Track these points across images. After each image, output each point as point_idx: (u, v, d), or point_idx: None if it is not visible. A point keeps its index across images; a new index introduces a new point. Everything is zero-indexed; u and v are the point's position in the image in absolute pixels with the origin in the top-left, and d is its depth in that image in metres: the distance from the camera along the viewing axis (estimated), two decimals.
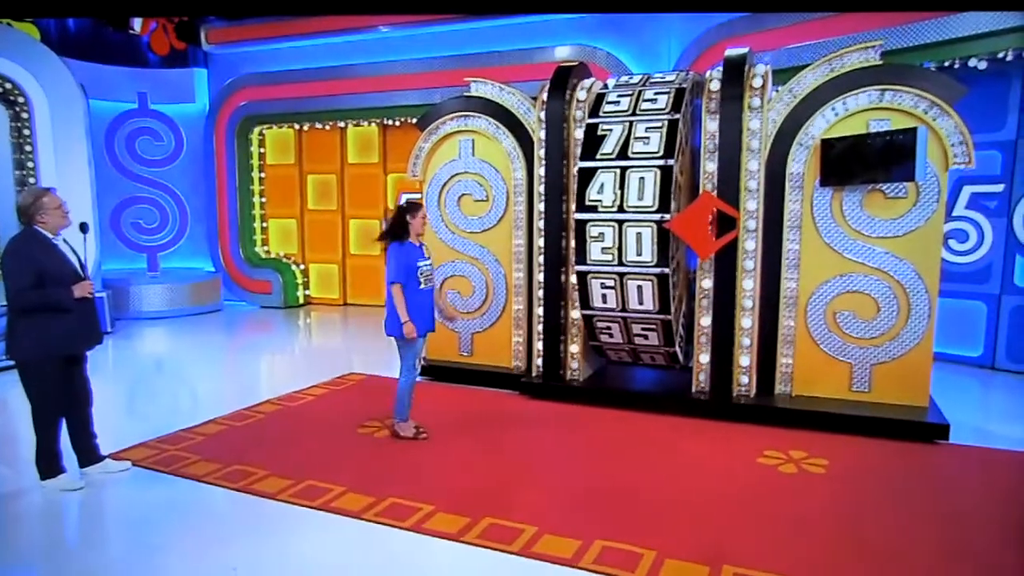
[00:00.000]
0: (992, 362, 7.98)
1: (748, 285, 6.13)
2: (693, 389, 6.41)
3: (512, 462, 5.28)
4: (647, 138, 6.17)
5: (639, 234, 6.13)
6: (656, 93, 6.37)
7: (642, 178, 6.13)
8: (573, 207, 6.44)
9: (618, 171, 6.22)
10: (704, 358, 6.32)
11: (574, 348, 6.86)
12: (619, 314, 6.40)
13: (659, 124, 6.18)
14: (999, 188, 7.78)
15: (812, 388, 6.21)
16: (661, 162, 6.08)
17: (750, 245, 6.09)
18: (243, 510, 4.45)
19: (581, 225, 6.31)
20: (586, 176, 6.33)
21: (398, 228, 5.45)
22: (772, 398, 6.24)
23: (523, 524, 4.16)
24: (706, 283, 6.22)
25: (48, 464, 4.68)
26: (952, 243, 8.07)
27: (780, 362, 6.27)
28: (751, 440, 5.63)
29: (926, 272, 5.78)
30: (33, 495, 4.65)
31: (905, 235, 5.79)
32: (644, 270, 6.14)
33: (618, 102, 6.45)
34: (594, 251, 6.30)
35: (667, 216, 6.04)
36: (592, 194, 6.28)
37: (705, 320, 6.27)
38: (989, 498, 4.64)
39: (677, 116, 6.15)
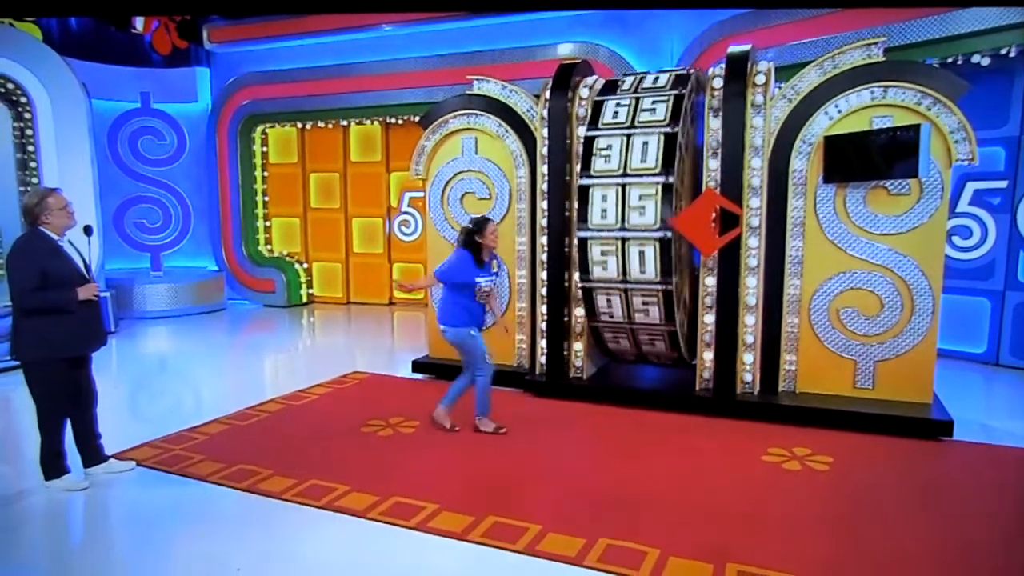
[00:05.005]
0: (996, 358, 7.96)
1: (751, 282, 6.12)
2: (697, 387, 6.42)
3: (516, 460, 5.29)
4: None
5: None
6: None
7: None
8: (576, 206, 6.44)
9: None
10: (708, 355, 6.32)
11: (578, 346, 6.86)
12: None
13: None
14: (1003, 184, 7.75)
15: (816, 385, 6.20)
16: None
17: (753, 242, 6.07)
18: (248, 509, 4.46)
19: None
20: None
21: (469, 245, 5.63)
22: (776, 395, 6.23)
23: (527, 523, 4.17)
24: (709, 281, 6.22)
25: (52, 464, 4.70)
26: (956, 239, 8.05)
27: (784, 359, 6.26)
28: (755, 437, 5.63)
29: (930, 269, 5.76)
30: (37, 495, 4.67)
31: (909, 232, 5.78)
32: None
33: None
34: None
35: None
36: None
37: (709, 318, 6.27)
38: (993, 495, 4.64)
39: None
